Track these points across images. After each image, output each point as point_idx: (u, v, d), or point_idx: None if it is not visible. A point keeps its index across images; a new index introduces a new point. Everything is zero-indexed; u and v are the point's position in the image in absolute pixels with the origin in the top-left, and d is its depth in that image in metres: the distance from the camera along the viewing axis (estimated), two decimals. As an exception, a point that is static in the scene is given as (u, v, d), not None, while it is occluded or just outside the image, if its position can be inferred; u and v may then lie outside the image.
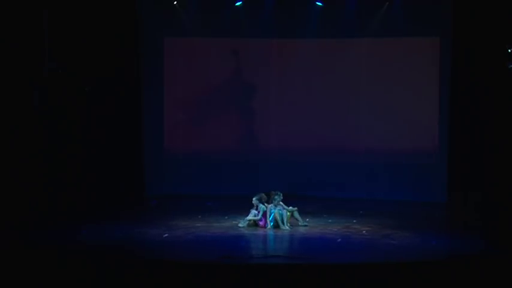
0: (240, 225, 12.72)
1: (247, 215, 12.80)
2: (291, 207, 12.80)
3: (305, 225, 12.75)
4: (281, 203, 12.70)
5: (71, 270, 9.67)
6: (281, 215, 12.52)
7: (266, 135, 17.45)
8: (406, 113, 16.62)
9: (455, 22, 15.53)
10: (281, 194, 12.72)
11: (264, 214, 12.68)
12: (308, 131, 17.15)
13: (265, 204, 12.73)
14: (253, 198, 12.82)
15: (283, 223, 12.49)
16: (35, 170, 14.11)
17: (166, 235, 11.87)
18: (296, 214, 12.86)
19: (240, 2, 16.66)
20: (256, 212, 12.73)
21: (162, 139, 17.28)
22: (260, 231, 12.52)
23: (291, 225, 12.65)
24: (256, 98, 17.46)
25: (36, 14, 14.21)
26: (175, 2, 16.75)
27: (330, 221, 13.26)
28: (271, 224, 12.55)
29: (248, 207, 12.93)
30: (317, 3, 16.59)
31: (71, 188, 14.92)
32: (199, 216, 13.80)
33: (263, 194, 12.87)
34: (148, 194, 16.54)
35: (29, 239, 11.24)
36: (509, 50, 14.53)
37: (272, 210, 12.56)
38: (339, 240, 11.70)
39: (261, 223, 12.67)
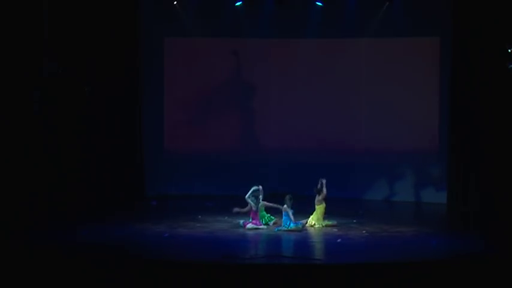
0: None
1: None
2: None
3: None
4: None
5: (71, 270, 9.67)
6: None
7: (266, 135, 17.45)
8: (406, 113, 16.62)
9: (455, 22, 15.52)
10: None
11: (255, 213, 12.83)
12: (308, 131, 17.15)
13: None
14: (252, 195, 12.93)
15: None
16: (35, 170, 14.11)
17: (166, 235, 11.87)
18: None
19: (240, 2, 16.66)
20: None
21: (162, 139, 17.28)
22: (260, 232, 12.54)
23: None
24: (256, 98, 17.46)
25: (36, 15, 14.20)
26: (175, 2, 16.75)
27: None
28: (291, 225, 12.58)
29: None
30: (317, 3, 16.58)
31: (71, 188, 14.92)
32: (199, 216, 13.81)
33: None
34: (148, 194, 16.53)
35: (29, 239, 11.24)
36: (509, 50, 14.52)
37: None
38: (339, 240, 11.71)
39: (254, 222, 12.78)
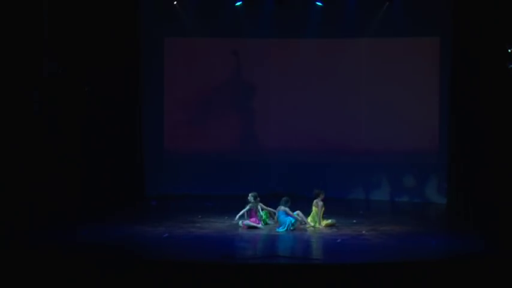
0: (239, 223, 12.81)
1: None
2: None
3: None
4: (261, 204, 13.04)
5: (71, 270, 9.67)
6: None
7: (266, 135, 17.45)
8: (406, 113, 16.62)
9: (455, 22, 15.52)
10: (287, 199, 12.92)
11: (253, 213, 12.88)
12: (308, 131, 17.15)
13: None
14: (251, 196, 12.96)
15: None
16: (35, 170, 14.10)
17: (166, 235, 11.88)
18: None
19: (240, 2, 16.66)
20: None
21: (162, 139, 17.28)
22: (260, 232, 12.54)
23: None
24: (256, 98, 17.46)
25: (36, 15, 14.20)
26: (175, 2, 16.75)
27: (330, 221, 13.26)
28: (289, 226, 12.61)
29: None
30: (317, 3, 16.58)
31: (71, 188, 14.91)
32: (199, 216, 13.81)
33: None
34: (148, 194, 16.54)
35: (29, 239, 11.24)
36: (509, 50, 14.52)
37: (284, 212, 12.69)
38: (339, 240, 11.71)
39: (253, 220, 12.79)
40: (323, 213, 13.02)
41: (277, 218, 12.74)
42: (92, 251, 10.54)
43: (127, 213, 14.47)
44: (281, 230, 12.52)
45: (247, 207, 12.88)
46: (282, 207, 12.70)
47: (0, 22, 13.54)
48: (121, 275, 9.57)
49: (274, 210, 12.99)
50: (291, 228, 12.51)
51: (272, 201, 13.26)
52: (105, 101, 15.78)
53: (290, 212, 12.62)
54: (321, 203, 12.98)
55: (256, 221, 12.82)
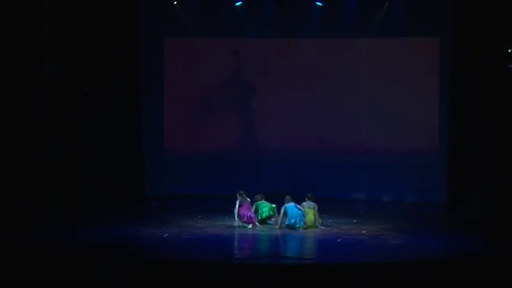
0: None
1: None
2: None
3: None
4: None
5: (71, 270, 9.67)
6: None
7: (266, 135, 17.46)
8: (406, 113, 16.63)
9: (455, 22, 15.54)
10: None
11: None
12: (308, 131, 17.16)
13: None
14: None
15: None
16: (35, 170, 14.11)
17: (166, 235, 11.88)
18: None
19: (240, 2, 16.67)
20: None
21: (162, 139, 17.28)
22: (260, 232, 12.53)
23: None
24: (256, 98, 17.46)
25: (36, 15, 14.21)
26: (175, 2, 16.76)
27: (330, 220, 13.27)
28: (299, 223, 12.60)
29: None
30: (317, 3, 16.59)
31: (71, 188, 14.92)
32: (199, 216, 13.81)
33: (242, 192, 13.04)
34: (148, 194, 16.54)
35: (29, 239, 11.24)
36: (509, 50, 14.53)
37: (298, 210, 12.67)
38: (339, 240, 11.71)
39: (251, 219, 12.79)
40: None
41: (286, 213, 12.64)
42: (92, 251, 10.53)
43: (127, 213, 14.47)
44: (298, 226, 12.44)
45: (237, 204, 12.81)
46: (291, 203, 12.63)
47: (1, 22, 13.55)
48: (121, 275, 9.56)
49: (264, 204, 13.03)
50: (301, 224, 12.49)
51: (272, 201, 13.24)
52: (105, 101, 15.79)
53: (299, 206, 12.60)
54: (316, 205, 12.95)
55: (249, 216, 12.74)
